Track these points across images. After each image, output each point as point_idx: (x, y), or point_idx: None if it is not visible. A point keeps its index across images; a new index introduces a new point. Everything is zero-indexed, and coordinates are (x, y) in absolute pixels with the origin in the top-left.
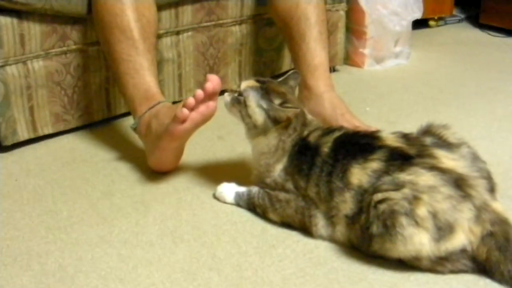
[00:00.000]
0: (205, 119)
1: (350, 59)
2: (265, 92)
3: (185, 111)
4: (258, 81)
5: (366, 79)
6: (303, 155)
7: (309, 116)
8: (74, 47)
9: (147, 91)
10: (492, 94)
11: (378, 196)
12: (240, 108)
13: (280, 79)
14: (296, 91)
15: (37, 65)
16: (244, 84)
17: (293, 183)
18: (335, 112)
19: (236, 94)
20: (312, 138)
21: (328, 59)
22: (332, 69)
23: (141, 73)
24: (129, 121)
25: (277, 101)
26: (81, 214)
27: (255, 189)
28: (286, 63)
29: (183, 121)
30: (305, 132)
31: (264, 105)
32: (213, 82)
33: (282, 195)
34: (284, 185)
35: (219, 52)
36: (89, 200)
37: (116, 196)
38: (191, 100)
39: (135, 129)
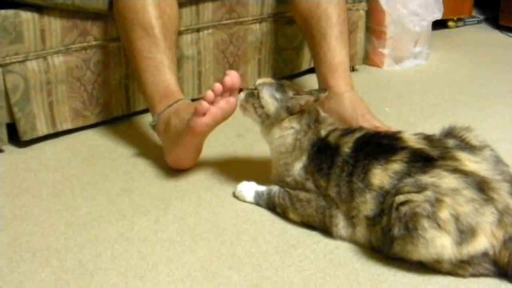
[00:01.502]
0: (225, 114)
1: (369, 59)
2: (280, 85)
3: (205, 104)
4: (274, 79)
5: (385, 79)
6: (323, 154)
7: (323, 113)
8: (94, 43)
9: (167, 89)
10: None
11: (400, 198)
12: (253, 101)
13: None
14: None
15: (58, 60)
16: (260, 81)
17: (313, 182)
18: (355, 112)
19: (251, 89)
20: (332, 138)
21: (348, 59)
22: (352, 69)
23: (161, 71)
24: (148, 117)
25: (290, 93)
26: (100, 210)
27: (275, 189)
28: (306, 61)
29: (203, 114)
30: (323, 132)
31: (278, 95)
32: (232, 77)
33: (302, 195)
34: (305, 184)
35: (239, 50)
36: (108, 197)
37: (135, 193)
38: (210, 94)
39: (153, 127)
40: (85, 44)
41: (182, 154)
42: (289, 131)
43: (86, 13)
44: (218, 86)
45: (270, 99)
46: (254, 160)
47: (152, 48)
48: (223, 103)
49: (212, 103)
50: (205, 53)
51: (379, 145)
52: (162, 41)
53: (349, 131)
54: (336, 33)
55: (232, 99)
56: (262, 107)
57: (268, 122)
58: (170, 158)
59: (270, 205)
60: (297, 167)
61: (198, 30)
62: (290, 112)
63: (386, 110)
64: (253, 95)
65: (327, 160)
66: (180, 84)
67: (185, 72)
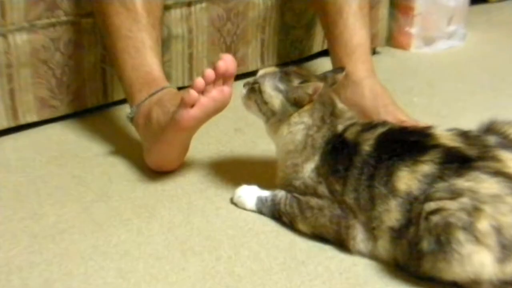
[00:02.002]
0: (218, 106)
1: (394, 40)
2: (284, 74)
3: (194, 93)
4: (278, 67)
5: (413, 64)
6: (339, 153)
7: (340, 105)
8: (64, 18)
9: (149, 74)
10: None
11: (431, 205)
12: (255, 97)
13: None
14: None
15: (20, 39)
16: (261, 72)
17: (326, 186)
18: (376, 102)
19: (250, 85)
20: (349, 134)
21: (369, 39)
22: (373, 52)
23: (142, 52)
24: (127, 109)
25: (296, 81)
26: (71, 219)
27: (281, 194)
28: (318, 42)
29: (191, 105)
30: (340, 127)
31: (282, 86)
32: (226, 61)
33: (314, 201)
34: (316, 189)
35: (238, 28)
36: (81, 203)
37: (113, 199)
38: (200, 81)
39: (131, 120)
40: (53, 20)
41: (164, 152)
42: (299, 127)
43: None
44: (209, 72)
45: (273, 92)
46: (256, 160)
47: (132, 25)
48: (215, 93)
49: (202, 92)
50: (197, 31)
51: (406, 142)
52: (144, 17)
53: (370, 126)
54: (354, 8)
55: (226, 88)
56: (265, 103)
57: (275, 119)
58: (151, 157)
59: (275, 213)
60: (308, 168)
61: (189, 4)
62: (299, 104)
63: (413, 100)
64: (254, 90)
65: (344, 160)
66: (166, 69)
67: (173, 55)
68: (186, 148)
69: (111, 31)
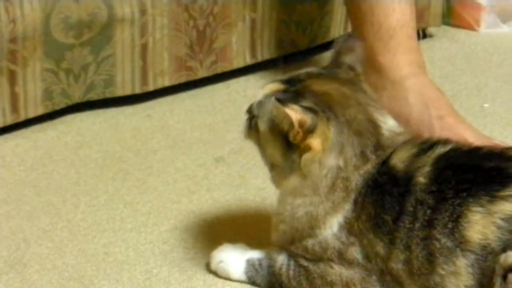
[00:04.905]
0: None
1: (454, 16)
2: (292, 95)
3: None
4: (289, 80)
5: (484, 51)
6: (385, 194)
7: (388, 127)
8: None
9: None
10: None
11: (510, 257)
12: (255, 137)
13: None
14: None
15: None
16: (261, 92)
17: (362, 249)
18: (427, 112)
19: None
20: (398, 161)
21: (414, 17)
22: (422, 34)
23: None
24: None
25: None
26: None
27: (281, 259)
28: (337, 24)
29: None
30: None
31: (266, 117)
32: None
33: (334, 274)
34: (344, 253)
35: (215, 4)
36: None
37: (31, 269)
38: None
39: None
40: None
41: None
42: (324, 172)
43: None
44: None
45: (269, 133)
46: (245, 205)
47: None
48: None
49: None
50: (153, 11)
51: (479, 171)
52: None
53: (426, 146)
54: None
55: None
56: (263, 148)
57: (280, 170)
58: None
59: (275, 284)
60: (333, 224)
61: None
62: (300, 150)
63: (485, 106)
64: (251, 126)
65: (393, 204)
66: (108, 68)
67: (117, 47)
68: None
69: None
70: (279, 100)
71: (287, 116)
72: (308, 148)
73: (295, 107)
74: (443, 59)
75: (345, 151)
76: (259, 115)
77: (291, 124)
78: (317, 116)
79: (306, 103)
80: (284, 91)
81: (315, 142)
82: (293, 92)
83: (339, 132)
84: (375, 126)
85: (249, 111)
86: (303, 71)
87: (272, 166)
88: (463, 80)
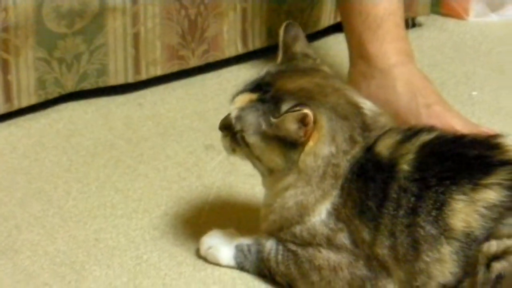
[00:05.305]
0: None
1: (443, 5)
2: (271, 99)
3: None
4: (256, 87)
5: (473, 39)
6: (370, 181)
7: (368, 106)
8: None
9: None
10: None
11: (493, 246)
12: (242, 150)
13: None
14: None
15: None
16: (234, 107)
17: (349, 235)
18: (414, 101)
19: (229, 131)
20: (383, 148)
21: (402, 6)
22: (411, 23)
23: None
24: None
25: (286, 107)
26: None
27: (269, 245)
28: (327, 13)
29: None
30: (371, 138)
31: (264, 125)
32: None
33: (322, 258)
34: (332, 239)
35: None
36: None
37: (23, 255)
38: None
39: None
40: None
41: None
42: (318, 163)
43: None
44: None
45: (263, 142)
46: (234, 191)
47: None
48: None
49: None
50: (145, 0)
51: (462, 159)
52: None
53: (411, 133)
54: None
55: None
56: (259, 159)
57: (279, 174)
58: None
59: (264, 270)
60: (322, 210)
61: None
62: (298, 144)
63: (472, 94)
64: (237, 141)
65: (377, 191)
66: (100, 58)
67: (109, 37)
68: None
69: None
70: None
71: (303, 118)
72: (307, 142)
73: (302, 110)
74: (432, 48)
75: (337, 137)
76: (244, 129)
77: (303, 124)
78: (310, 108)
79: (289, 104)
80: (259, 100)
81: (315, 136)
82: (270, 98)
83: (329, 119)
84: (357, 108)
85: (226, 127)
86: (264, 73)
87: (270, 171)
88: (452, 68)
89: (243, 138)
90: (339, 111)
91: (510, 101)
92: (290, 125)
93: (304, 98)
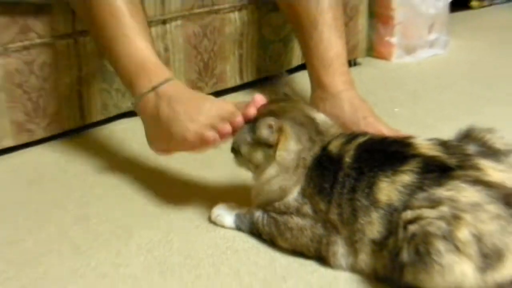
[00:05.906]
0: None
1: (374, 50)
2: (253, 123)
3: (212, 135)
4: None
5: (395, 74)
6: (325, 170)
7: (322, 119)
8: (38, 41)
9: (145, 61)
10: None
11: (408, 214)
12: (242, 161)
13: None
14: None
15: None
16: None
17: (311, 206)
18: (356, 115)
19: (234, 151)
20: (333, 147)
21: (346, 50)
22: (353, 63)
23: (132, 38)
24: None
25: (259, 123)
26: (49, 243)
27: (257, 214)
28: (297, 56)
29: (206, 143)
30: (326, 140)
31: (250, 137)
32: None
33: (293, 222)
34: (300, 210)
35: (215, 44)
36: (60, 227)
37: (92, 221)
38: (226, 127)
39: (135, 106)
40: (27, 43)
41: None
42: (292, 156)
43: (26, 5)
44: (240, 119)
45: (247, 147)
46: (235, 174)
47: (118, 12)
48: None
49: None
50: (173, 49)
51: (386, 153)
52: (127, 10)
53: (352, 136)
54: (329, 20)
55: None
56: (251, 162)
57: (262, 167)
58: (156, 144)
59: (254, 231)
60: (295, 191)
61: (164, 22)
62: (273, 145)
63: (395, 110)
64: (237, 154)
65: (329, 177)
66: None
67: None
68: None
69: (96, 23)
70: (252, 129)
71: (270, 124)
72: (279, 142)
73: (269, 120)
74: (368, 79)
75: (301, 138)
76: (239, 146)
77: (274, 131)
78: (274, 118)
79: (261, 120)
80: (246, 124)
81: (282, 137)
82: (252, 121)
83: (291, 126)
84: (311, 118)
85: (233, 149)
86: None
87: (256, 167)
88: (382, 93)
89: (239, 149)
90: (297, 120)
91: (422, 115)
92: (263, 131)
93: (271, 115)
